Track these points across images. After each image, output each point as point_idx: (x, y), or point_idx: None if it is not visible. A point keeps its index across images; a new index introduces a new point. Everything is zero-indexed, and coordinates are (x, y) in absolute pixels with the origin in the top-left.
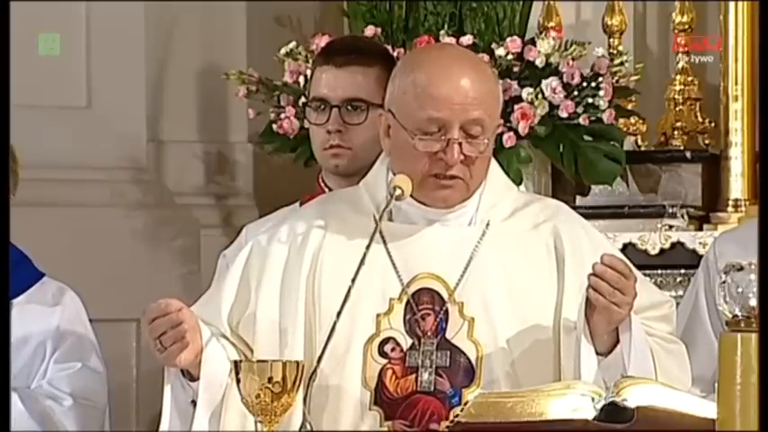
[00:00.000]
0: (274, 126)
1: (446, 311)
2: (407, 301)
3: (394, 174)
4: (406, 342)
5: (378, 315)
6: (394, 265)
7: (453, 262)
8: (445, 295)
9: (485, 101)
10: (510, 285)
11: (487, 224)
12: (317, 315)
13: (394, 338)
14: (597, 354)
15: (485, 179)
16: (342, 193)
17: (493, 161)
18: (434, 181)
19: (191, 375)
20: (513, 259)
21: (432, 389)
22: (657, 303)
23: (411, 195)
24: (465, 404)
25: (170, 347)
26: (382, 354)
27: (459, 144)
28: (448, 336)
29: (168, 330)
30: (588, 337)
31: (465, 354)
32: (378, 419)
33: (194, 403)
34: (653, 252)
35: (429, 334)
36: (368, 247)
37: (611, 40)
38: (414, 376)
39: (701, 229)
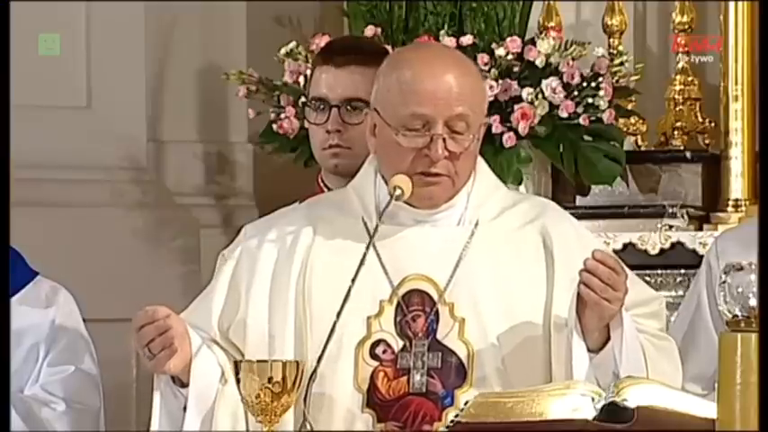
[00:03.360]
0: (274, 126)
1: (436, 312)
2: (398, 303)
3: (382, 175)
4: (397, 344)
5: (368, 317)
6: (383, 266)
7: (442, 262)
8: (435, 296)
9: (469, 97)
10: (500, 285)
11: (476, 224)
12: (307, 318)
13: (385, 341)
14: (588, 351)
15: (472, 177)
16: (329, 195)
17: (481, 160)
18: (419, 178)
19: (181, 382)
20: (502, 258)
21: (424, 390)
22: (647, 300)
23: None
24: (466, 405)
25: (158, 354)
26: (374, 356)
27: (444, 140)
28: (439, 337)
29: (156, 337)
30: (580, 334)
31: (456, 354)
32: (370, 422)
33: (186, 409)
34: (653, 252)
35: (420, 335)
36: (368, 247)
37: (611, 40)
38: (405, 378)
39: (701, 229)
